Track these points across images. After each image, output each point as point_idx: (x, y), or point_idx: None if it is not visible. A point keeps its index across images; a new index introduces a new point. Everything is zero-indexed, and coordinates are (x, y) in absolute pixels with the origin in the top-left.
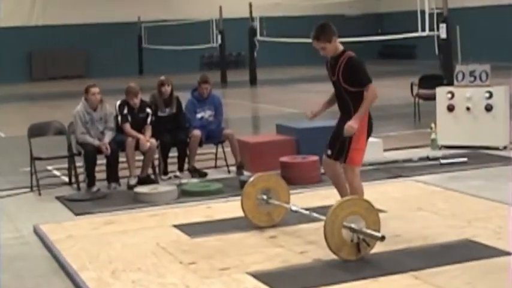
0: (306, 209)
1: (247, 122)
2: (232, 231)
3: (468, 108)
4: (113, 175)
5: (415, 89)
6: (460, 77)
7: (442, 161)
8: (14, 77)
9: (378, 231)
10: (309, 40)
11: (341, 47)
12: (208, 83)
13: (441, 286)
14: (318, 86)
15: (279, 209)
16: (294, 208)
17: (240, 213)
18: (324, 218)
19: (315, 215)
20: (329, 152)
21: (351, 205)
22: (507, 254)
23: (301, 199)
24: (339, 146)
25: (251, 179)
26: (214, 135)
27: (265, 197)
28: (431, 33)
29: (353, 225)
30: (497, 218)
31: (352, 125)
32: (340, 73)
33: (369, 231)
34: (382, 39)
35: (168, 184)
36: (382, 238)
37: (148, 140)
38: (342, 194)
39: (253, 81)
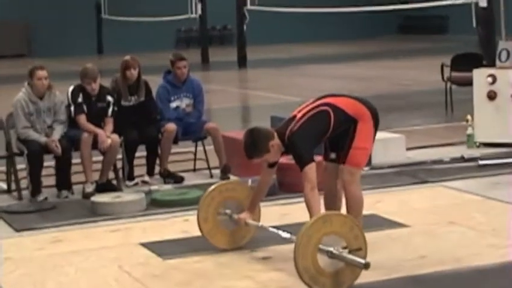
0: (276, 227)
1: (235, 114)
2: (216, 251)
3: None
4: (64, 180)
5: (447, 72)
6: (503, 56)
7: (481, 163)
8: None
9: (363, 255)
10: (312, 10)
11: (277, 140)
12: (186, 60)
13: None
14: (323, 68)
15: (244, 228)
16: (262, 227)
17: None
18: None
19: (288, 236)
20: (332, 155)
21: (329, 223)
22: None
23: (297, 210)
24: (342, 146)
25: (211, 187)
26: (193, 129)
27: (228, 211)
28: (468, 0)
29: (331, 249)
30: None
31: None
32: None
33: (349, 256)
34: (404, 8)
35: (134, 192)
36: (366, 266)
37: (109, 136)
38: None
39: (242, 62)
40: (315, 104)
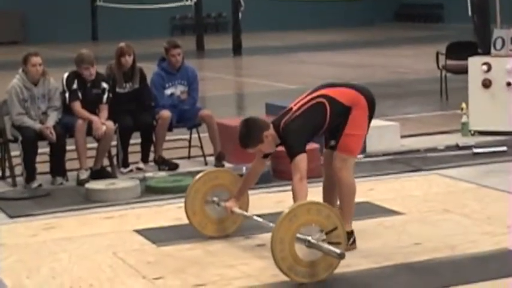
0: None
1: (230, 101)
2: (209, 239)
3: (509, 84)
4: (58, 167)
5: (442, 60)
6: (498, 44)
7: (476, 151)
8: None
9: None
10: None
11: (272, 131)
12: (180, 47)
13: None
14: (318, 56)
15: (233, 215)
16: (247, 215)
17: None
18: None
19: (271, 224)
20: (332, 142)
21: (295, 218)
22: None
23: (291, 197)
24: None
25: (198, 175)
26: (187, 116)
27: (216, 199)
28: None
29: (309, 238)
30: None
31: None
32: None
33: (325, 246)
34: None
35: (128, 179)
36: (341, 256)
37: (104, 123)
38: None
39: (237, 49)
40: (311, 96)
